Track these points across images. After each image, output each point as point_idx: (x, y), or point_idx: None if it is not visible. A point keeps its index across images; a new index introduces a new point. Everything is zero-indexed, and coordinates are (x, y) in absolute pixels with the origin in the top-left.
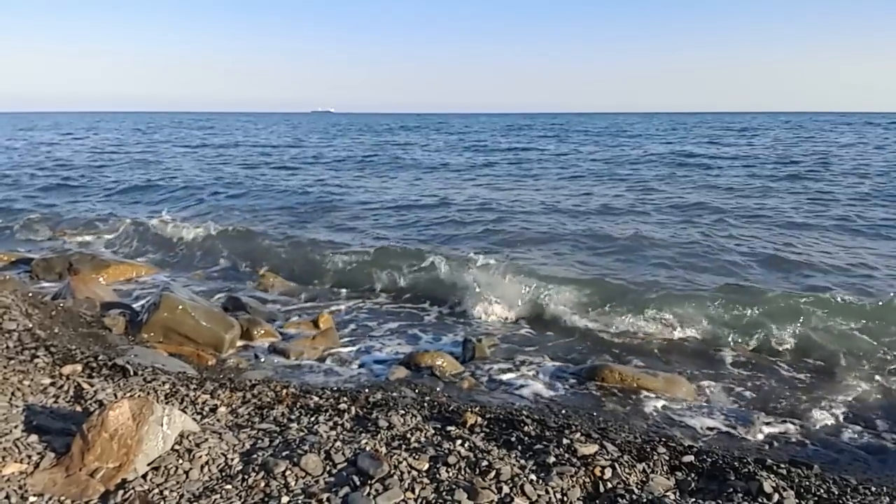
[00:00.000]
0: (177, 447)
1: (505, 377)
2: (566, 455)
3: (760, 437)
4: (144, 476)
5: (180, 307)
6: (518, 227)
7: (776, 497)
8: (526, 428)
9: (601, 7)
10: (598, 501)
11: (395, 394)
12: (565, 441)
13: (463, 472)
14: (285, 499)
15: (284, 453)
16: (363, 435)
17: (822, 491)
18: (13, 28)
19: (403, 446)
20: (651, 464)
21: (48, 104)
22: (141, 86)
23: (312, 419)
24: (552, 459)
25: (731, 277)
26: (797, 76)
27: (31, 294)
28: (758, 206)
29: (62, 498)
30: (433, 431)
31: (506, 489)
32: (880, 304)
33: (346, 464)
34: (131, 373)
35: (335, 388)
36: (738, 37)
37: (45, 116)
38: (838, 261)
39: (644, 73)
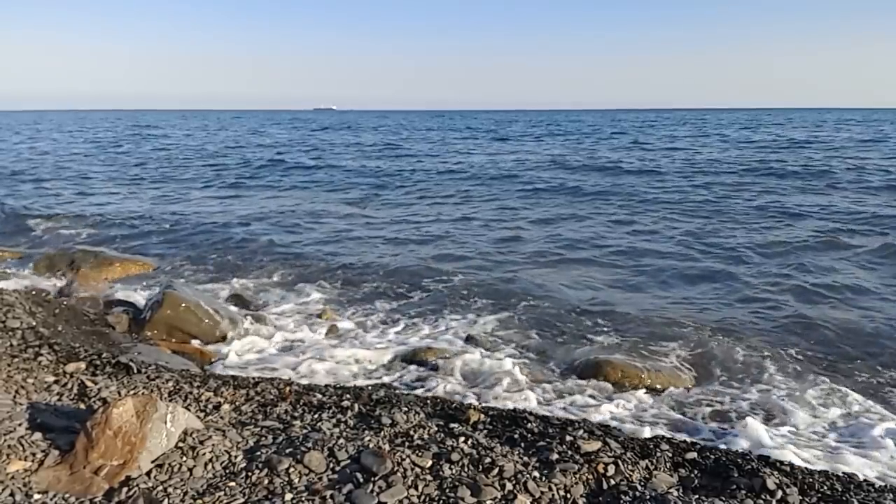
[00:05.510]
0: (181, 444)
1: (508, 373)
2: (569, 452)
3: (763, 433)
4: (148, 473)
5: (183, 305)
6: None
7: (779, 493)
8: (529, 425)
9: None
10: (601, 498)
11: (397, 391)
12: (568, 438)
13: (466, 469)
14: (289, 496)
15: (288, 450)
16: (366, 432)
17: (825, 487)
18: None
19: (406, 443)
20: (654, 460)
21: (42, 103)
22: (140, 84)
23: (316, 416)
24: (555, 456)
25: (729, 279)
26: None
27: (34, 292)
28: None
29: (66, 495)
30: (436, 429)
31: (509, 486)
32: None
33: (349, 461)
34: (135, 370)
35: (338, 386)
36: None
37: (29, 115)
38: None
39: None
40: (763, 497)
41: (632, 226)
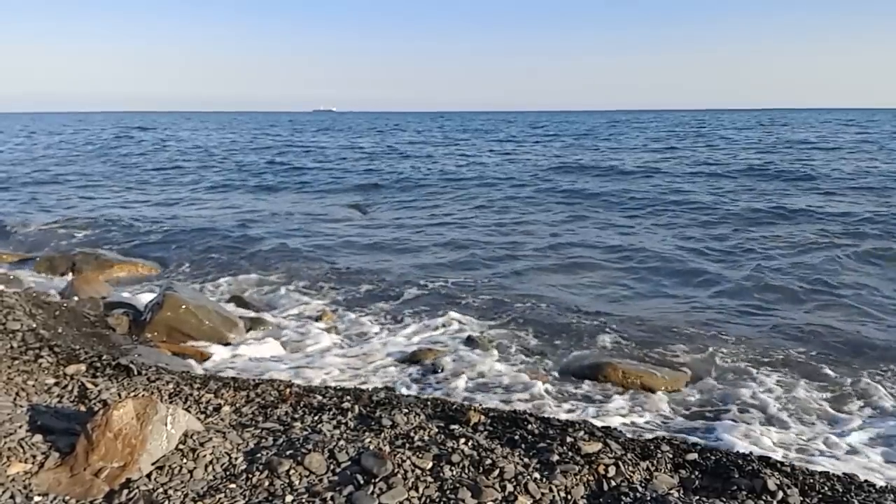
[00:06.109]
0: (181, 446)
1: (508, 375)
2: (570, 453)
3: (764, 434)
4: (149, 475)
5: (183, 306)
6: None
7: (780, 494)
8: (529, 426)
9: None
10: (601, 499)
11: (398, 392)
12: (569, 439)
13: (467, 471)
14: (289, 497)
15: (288, 452)
16: (367, 434)
17: (826, 488)
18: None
19: (407, 445)
20: (655, 462)
21: (39, 105)
22: (139, 86)
23: (316, 418)
24: (556, 458)
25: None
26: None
27: (35, 294)
28: None
29: (67, 497)
30: (437, 430)
31: (509, 487)
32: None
33: (349, 462)
34: (135, 372)
35: (338, 387)
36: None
37: (27, 117)
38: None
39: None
40: (764, 498)
41: (632, 227)
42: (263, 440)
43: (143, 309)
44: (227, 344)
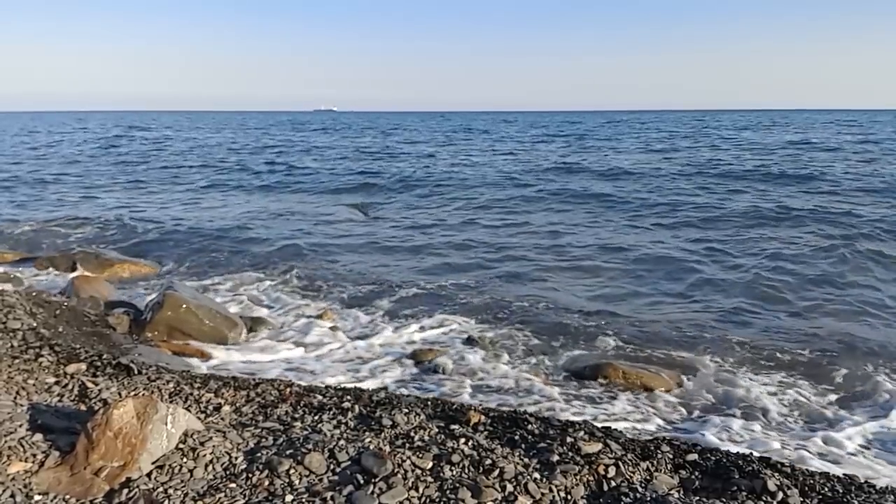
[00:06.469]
0: (181, 446)
1: (508, 375)
2: (570, 453)
3: (765, 435)
4: (149, 475)
5: (184, 306)
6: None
7: (780, 495)
8: (529, 426)
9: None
10: (601, 500)
11: (398, 392)
12: (569, 439)
13: (467, 471)
14: (289, 497)
15: (288, 452)
16: (367, 433)
17: (826, 489)
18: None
19: (407, 445)
20: (655, 462)
21: (39, 104)
22: (139, 85)
23: (316, 418)
24: (556, 458)
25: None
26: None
27: (35, 293)
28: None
29: (67, 496)
30: (437, 430)
31: (509, 487)
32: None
33: (349, 462)
34: (135, 371)
35: (338, 387)
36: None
37: (27, 116)
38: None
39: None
40: (764, 499)
41: (633, 228)
42: (263, 440)
43: (143, 308)
44: (227, 343)
